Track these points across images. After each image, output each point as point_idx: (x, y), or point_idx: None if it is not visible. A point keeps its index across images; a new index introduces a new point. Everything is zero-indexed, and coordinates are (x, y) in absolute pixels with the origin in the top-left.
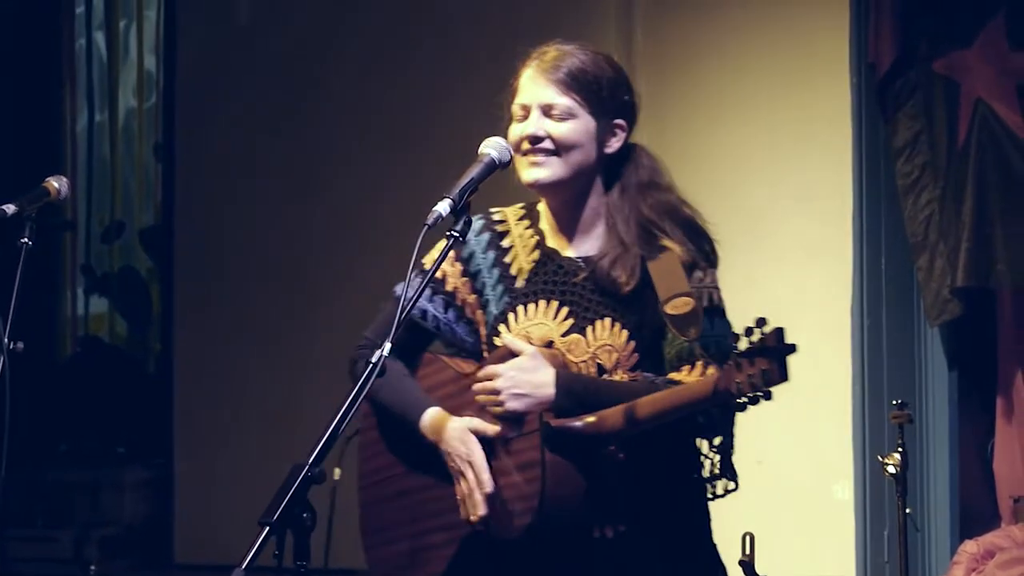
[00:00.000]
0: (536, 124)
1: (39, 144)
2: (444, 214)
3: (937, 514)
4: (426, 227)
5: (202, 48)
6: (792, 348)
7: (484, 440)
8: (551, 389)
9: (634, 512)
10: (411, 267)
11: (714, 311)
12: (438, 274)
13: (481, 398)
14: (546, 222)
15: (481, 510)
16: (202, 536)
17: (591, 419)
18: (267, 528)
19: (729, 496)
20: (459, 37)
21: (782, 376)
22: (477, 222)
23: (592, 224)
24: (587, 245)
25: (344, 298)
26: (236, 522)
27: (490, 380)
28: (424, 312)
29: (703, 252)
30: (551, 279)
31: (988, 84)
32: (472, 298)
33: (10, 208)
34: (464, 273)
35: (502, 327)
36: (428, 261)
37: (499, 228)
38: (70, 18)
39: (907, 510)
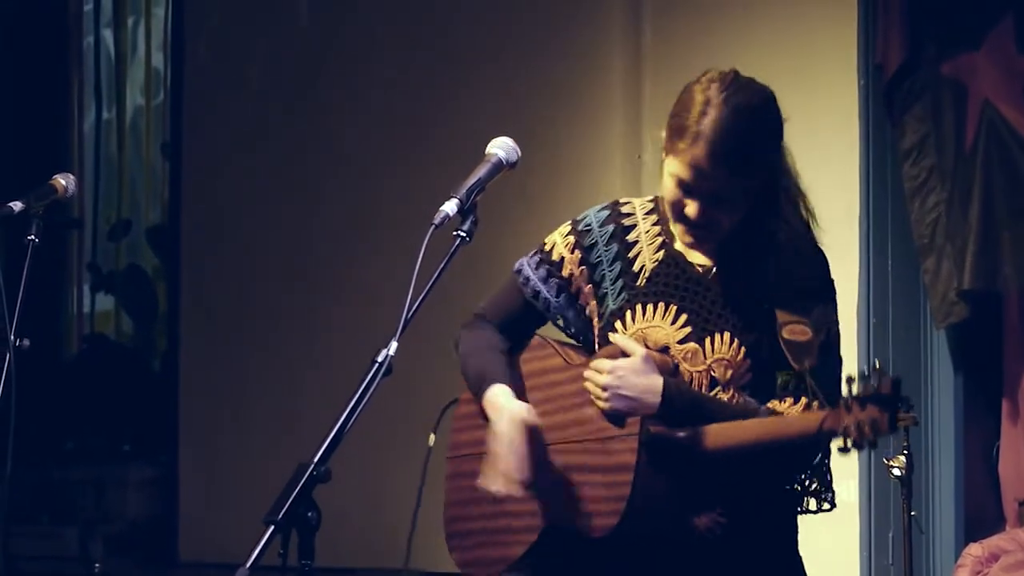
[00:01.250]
0: (700, 212)
1: (46, 141)
2: (451, 214)
3: (942, 517)
4: (433, 227)
5: (210, 46)
6: (906, 401)
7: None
8: (658, 397)
9: (725, 518)
10: (417, 265)
11: (830, 347)
12: (555, 256)
13: (589, 386)
14: (677, 224)
15: (495, 486)
16: (207, 534)
17: (694, 433)
18: (272, 526)
19: None
20: (464, 37)
21: (891, 428)
22: (602, 212)
23: (730, 235)
24: (714, 250)
25: (349, 297)
26: (241, 520)
27: (600, 374)
28: (537, 293)
29: (822, 282)
30: (673, 283)
31: (996, 87)
32: (588, 288)
33: (17, 205)
34: (583, 262)
35: (618, 324)
36: (548, 243)
37: (626, 222)
38: (78, 15)
39: (912, 512)
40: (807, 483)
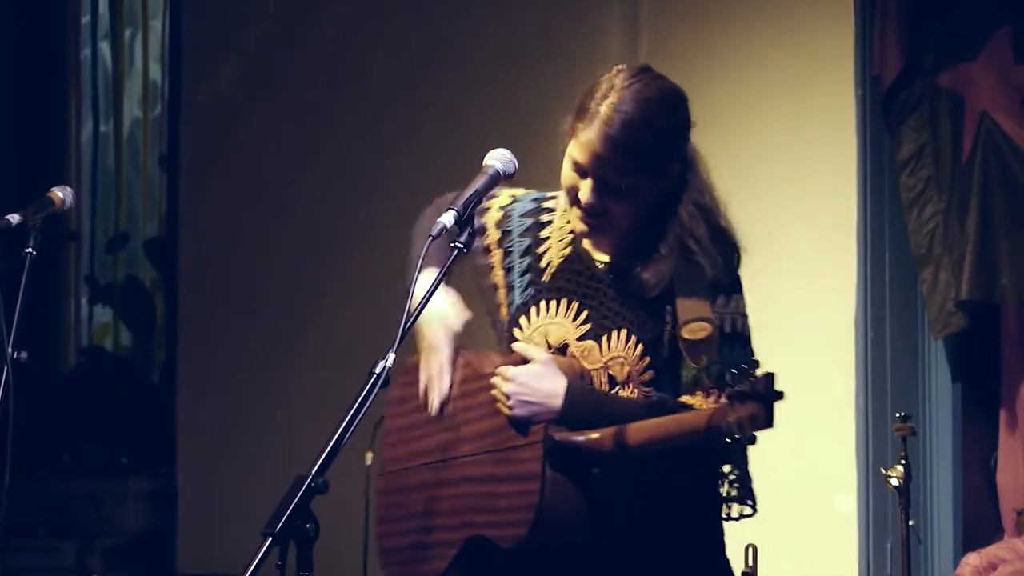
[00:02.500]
0: (593, 197)
1: (44, 154)
2: (448, 226)
3: (940, 526)
4: (431, 239)
5: (208, 58)
6: (780, 395)
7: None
8: (559, 400)
9: (640, 527)
10: (415, 277)
11: (735, 338)
12: (479, 223)
13: (496, 394)
14: None
15: (434, 406)
16: (205, 546)
17: (595, 435)
18: (270, 538)
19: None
20: (462, 47)
21: (767, 423)
22: (528, 203)
23: (633, 231)
24: (617, 247)
25: (348, 309)
26: (239, 533)
27: (504, 382)
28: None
29: (731, 275)
30: (576, 279)
31: (993, 97)
32: (500, 273)
33: (15, 218)
34: (500, 243)
35: (523, 319)
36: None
37: (544, 217)
38: (75, 27)
39: (910, 522)
40: (727, 489)
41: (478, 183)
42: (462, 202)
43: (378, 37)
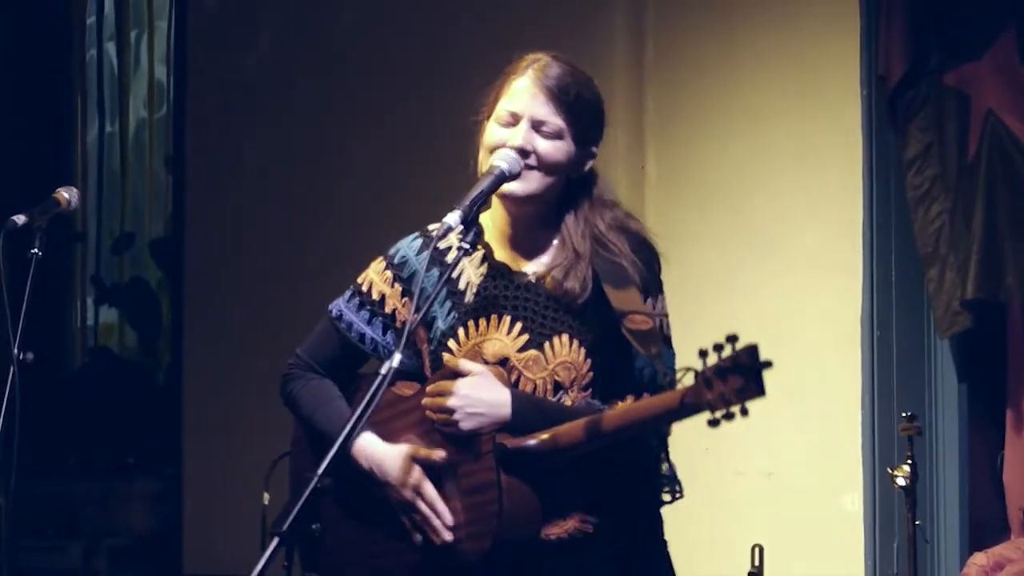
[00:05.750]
0: (525, 137)
1: (49, 155)
2: (454, 226)
3: (947, 526)
4: (436, 238)
5: (213, 58)
6: (768, 364)
7: (428, 466)
8: (507, 409)
9: (587, 516)
10: (420, 278)
11: (665, 339)
12: (375, 295)
13: (432, 415)
14: (493, 235)
15: (447, 536)
16: (211, 547)
17: (545, 436)
18: (277, 539)
19: (739, 507)
20: (464, 51)
21: (759, 391)
22: (415, 242)
23: (547, 240)
24: (540, 260)
25: None
26: (245, 533)
27: (444, 398)
28: (362, 335)
29: (653, 275)
30: (503, 293)
31: (999, 97)
32: (417, 316)
33: (20, 219)
34: (404, 293)
35: (451, 343)
36: (363, 282)
37: (441, 244)
38: (81, 29)
39: (917, 522)
40: (663, 472)
41: (484, 183)
42: (468, 202)
43: (384, 38)
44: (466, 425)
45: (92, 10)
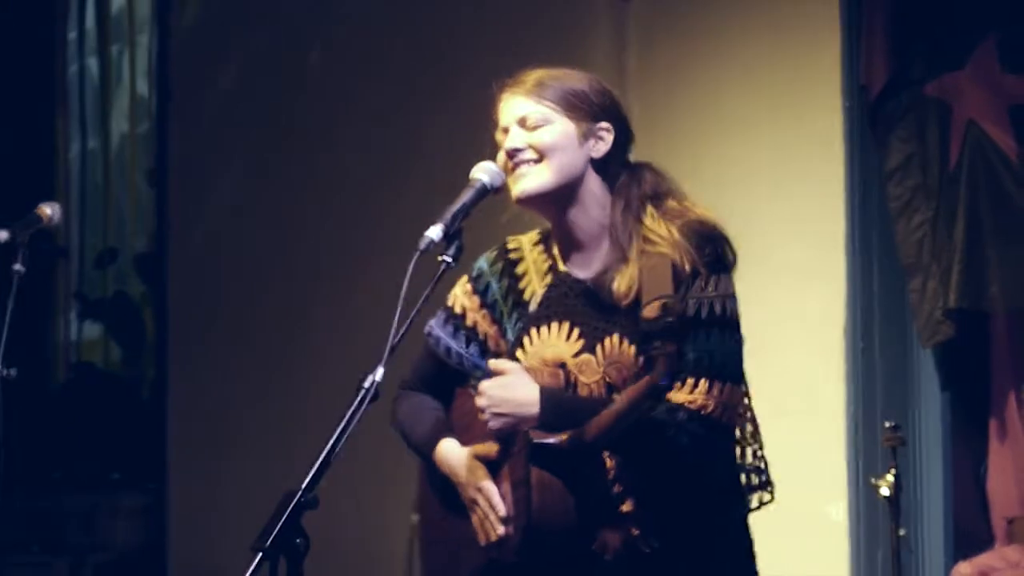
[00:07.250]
0: (512, 138)
1: (31, 170)
2: (436, 239)
3: (931, 536)
4: (418, 252)
5: (195, 73)
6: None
7: (489, 466)
8: (535, 407)
9: (644, 527)
10: (402, 294)
11: (713, 322)
12: (457, 310)
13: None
14: (558, 245)
15: (500, 530)
16: (197, 562)
17: (571, 433)
18: (260, 554)
19: None
20: (453, 60)
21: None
22: (491, 253)
23: (598, 243)
24: (594, 264)
25: (338, 323)
26: (230, 548)
27: (479, 398)
28: (448, 350)
29: (709, 257)
30: (563, 301)
31: (980, 106)
32: (493, 329)
33: (3, 234)
34: (482, 305)
35: (518, 352)
36: (450, 299)
37: (512, 256)
38: (63, 43)
39: (901, 532)
40: (749, 480)
41: (465, 196)
42: (450, 215)
43: (366, 52)
44: (494, 424)
45: (74, 25)
